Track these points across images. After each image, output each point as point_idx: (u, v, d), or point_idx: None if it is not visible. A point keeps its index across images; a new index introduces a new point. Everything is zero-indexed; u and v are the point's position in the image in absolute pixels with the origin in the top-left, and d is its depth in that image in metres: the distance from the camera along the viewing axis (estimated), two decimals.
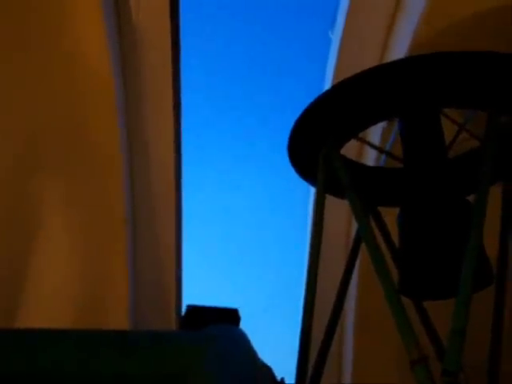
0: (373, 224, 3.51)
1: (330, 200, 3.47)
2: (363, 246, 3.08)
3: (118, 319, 4.57)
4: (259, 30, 8.47)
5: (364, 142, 3.71)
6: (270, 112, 8.20)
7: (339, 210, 4.70)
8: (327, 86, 4.60)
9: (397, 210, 3.29)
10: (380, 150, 3.89)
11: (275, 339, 6.59)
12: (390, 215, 3.43)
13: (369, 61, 4.03)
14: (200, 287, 7.37)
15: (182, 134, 4.79)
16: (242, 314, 3.18)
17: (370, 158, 4.33)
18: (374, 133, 4.05)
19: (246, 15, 8.36)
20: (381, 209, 3.62)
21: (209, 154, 8.65)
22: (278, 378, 2.77)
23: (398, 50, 3.96)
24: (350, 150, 4.13)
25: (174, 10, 4.18)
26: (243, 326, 3.08)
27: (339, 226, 4.98)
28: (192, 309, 3.20)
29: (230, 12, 8.18)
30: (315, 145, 3.13)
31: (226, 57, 8.41)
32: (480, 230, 2.56)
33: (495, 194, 3.29)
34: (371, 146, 3.80)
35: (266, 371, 2.70)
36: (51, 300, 4.43)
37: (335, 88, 2.95)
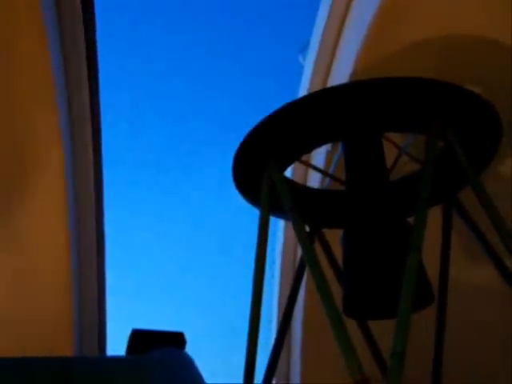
0: (318, 246, 3.56)
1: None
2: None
3: (62, 343, 4.50)
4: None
5: (307, 164, 3.77)
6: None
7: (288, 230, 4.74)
8: None
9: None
10: (323, 172, 3.94)
11: (222, 363, 6.53)
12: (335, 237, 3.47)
13: None
14: (144, 311, 7.27)
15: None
16: (187, 337, 3.16)
17: (316, 180, 4.38)
18: (319, 155, 4.10)
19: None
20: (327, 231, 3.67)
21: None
22: None
23: (342, 74, 4.03)
24: (296, 171, 4.20)
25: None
26: (189, 349, 3.07)
27: (287, 247, 5.01)
28: (136, 333, 3.17)
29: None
30: (259, 168, 3.16)
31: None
32: (418, 250, 2.60)
33: (436, 216, 3.38)
34: (314, 168, 3.86)
35: None
36: None
37: (278, 112, 2.99)
